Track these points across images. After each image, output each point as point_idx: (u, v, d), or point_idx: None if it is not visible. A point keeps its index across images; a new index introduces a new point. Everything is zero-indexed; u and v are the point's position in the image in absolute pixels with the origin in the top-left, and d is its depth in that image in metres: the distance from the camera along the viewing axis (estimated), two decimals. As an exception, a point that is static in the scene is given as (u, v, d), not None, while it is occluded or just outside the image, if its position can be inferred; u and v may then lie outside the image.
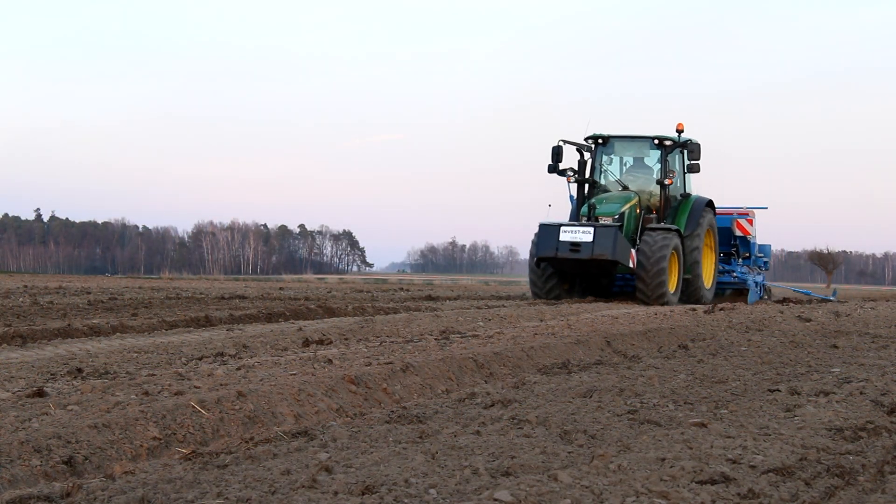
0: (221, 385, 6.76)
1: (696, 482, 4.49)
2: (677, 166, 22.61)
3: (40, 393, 6.28)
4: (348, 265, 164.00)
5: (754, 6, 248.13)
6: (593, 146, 22.64)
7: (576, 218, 22.01)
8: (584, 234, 20.07)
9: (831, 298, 24.36)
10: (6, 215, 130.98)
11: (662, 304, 19.87)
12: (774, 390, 7.42)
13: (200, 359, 8.68)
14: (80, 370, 7.68)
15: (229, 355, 8.96)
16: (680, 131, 21.95)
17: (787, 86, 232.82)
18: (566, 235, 20.24)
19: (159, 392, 6.44)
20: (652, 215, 21.96)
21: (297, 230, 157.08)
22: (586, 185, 22.64)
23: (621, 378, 8.00)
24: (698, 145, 21.82)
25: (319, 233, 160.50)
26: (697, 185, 24.18)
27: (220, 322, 12.88)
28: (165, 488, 4.33)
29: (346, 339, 10.88)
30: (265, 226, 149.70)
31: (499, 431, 5.67)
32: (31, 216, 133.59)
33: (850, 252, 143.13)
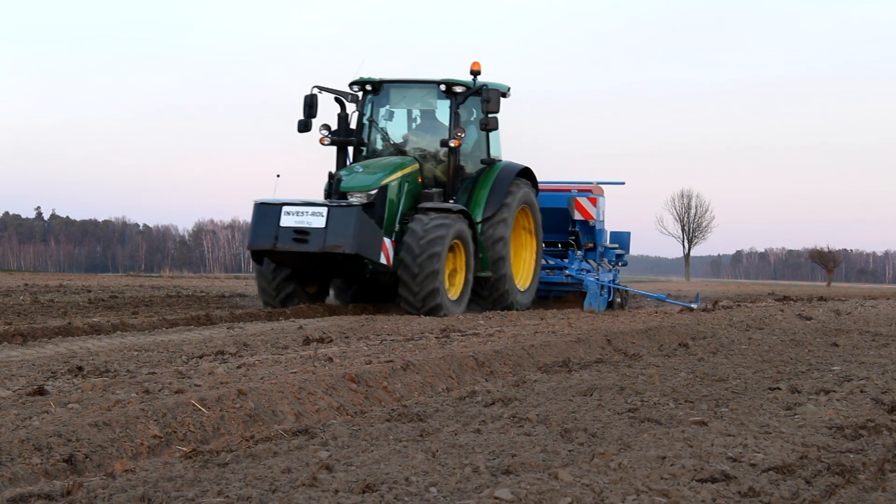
0: (222, 383, 6.76)
1: (697, 480, 4.49)
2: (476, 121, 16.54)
3: (41, 391, 6.28)
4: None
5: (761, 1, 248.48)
6: (360, 95, 16.44)
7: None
8: (315, 217, 14.17)
9: (692, 306, 18.22)
10: (6, 213, 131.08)
11: (437, 314, 14.43)
12: (775, 388, 7.43)
13: (201, 357, 8.69)
14: (80, 368, 7.68)
15: (230, 353, 8.96)
16: (475, 72, 15.93)
17: (787, 82, 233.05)
18: (289, 219, 14.26)
19: (160, 390, 6.44)
20: (436, 190, 15.84)
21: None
22: (350, 149, 16.46)
23: (622, 376, 8.01)
24: (497, 91, 15.76)
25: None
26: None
27: (220, 320, 12.88)
28: (166, 486, 4.33)
29: (347, 337, 10.88)
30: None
31: (499, 430, 5.67)
32: (32, 214, 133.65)
33: (851, 250, 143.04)
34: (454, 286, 15.28)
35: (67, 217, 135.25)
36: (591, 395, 7.01)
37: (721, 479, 4.51)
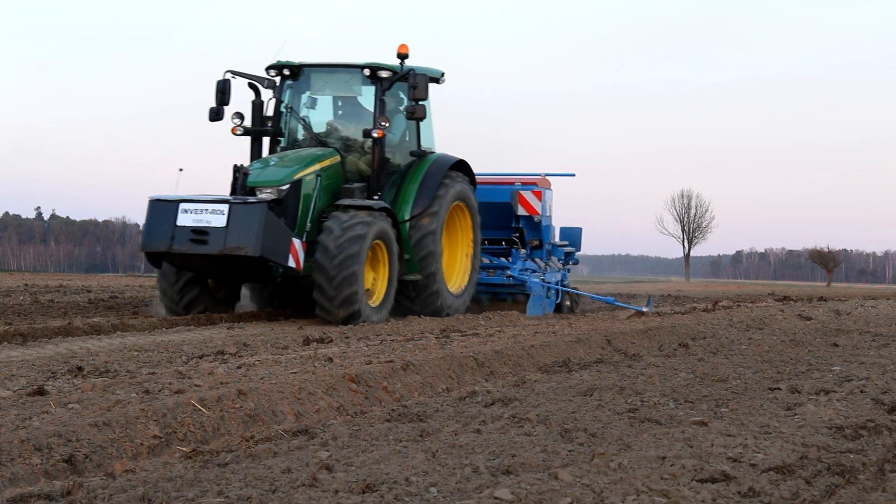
0: (222, 383, 6.76)
1: (697, 480, 4.49)
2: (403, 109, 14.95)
3: (41, 391, 6.28)
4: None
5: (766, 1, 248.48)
6: (278, 80, 14.94)
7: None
8: (215, 216, 12.74)
9: (643, 310, 16.43)
10: (6, 213, 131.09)
11: (355, 322, 12.97)
12: (775, 389, 7.43)
13: (201, 357, 8.69)
14: (80, 368, 7.68)
15: (230, 354, 8.96)
16: (402, 56, 14.49)
17: (787, 82, 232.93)
18: (187, 217, 12.83)
19: (160, 390, 6.44)
20: (358, 185, 14.32)
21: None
22: (266, 139, 14.96)
23: (622, 376, 8.01)
24: (425, 76, 14.35)
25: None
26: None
27: (220, 320, 12.89)
28: (166, 487, 4.33)
29: (347, 337, 10.89)
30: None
31: (499, 430, 5.67)
32: (32, 214, 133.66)
33: (851, 250, 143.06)
34: (376, 291, 13.80)
35: (67, 217, 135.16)
36: (591, 395, 7.01)
37: (721, 480, 4.51)
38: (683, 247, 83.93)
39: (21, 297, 16.66)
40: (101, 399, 6.08)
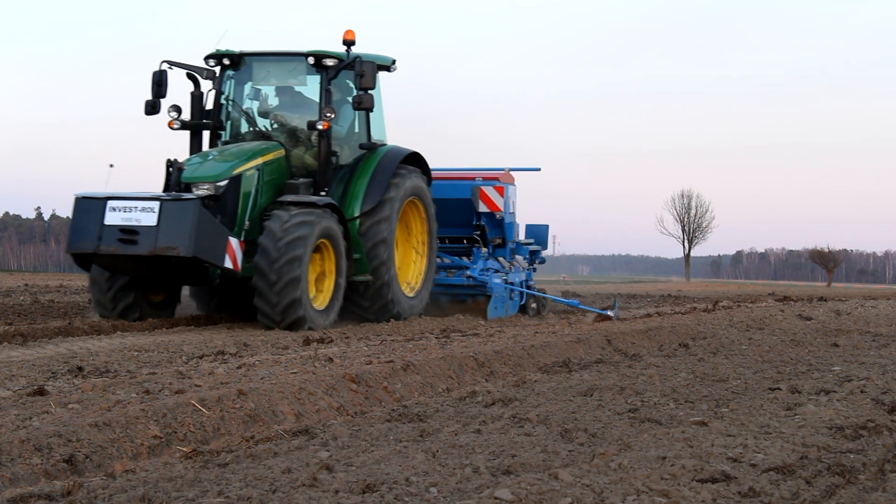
0: (222, 384, 6.76)
1: (697, 481, 4.49)
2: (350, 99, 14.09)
3: (41, 391, 6.28)
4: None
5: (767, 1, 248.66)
6: (218, 70, 14.06)
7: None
8: (145, 214, 11.84)
9: (608, 314, 15.35)
10: (6, 213, 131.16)
11: (300, 328, 12.12)
12: (775, 389, 7.43)
13: (201, 357, 8.69)
14: (80, 369, 7.69)
15: (230, 354, 8.97)
16: (348, 42, 13.73)
17: (787, 82, 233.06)
18: (115, 216, 11.93)
19: (160, 390, 6.44)
20: (303, 180, 13.51)
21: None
22: (207, 133, 14.07)
23: (622, 376, 8.01)
24: (373, 64, 13.45)
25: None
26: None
27: (220, 320, 12.89)
28: (166, 487, 4.33)
29: (347, 337, 10.90)
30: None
31: (499, 430, 5.67)
32: (32, 215, 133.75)
33: (851, 250, 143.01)
34: (322, 293, 12.94)
35: (67, 217, 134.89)
36: (592, 395, 7.01)
37: (721, 480, 4.51)
38: (683, 247, 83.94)
39: (21, 298, 16.67)
40: (102, 399, 6.08)
